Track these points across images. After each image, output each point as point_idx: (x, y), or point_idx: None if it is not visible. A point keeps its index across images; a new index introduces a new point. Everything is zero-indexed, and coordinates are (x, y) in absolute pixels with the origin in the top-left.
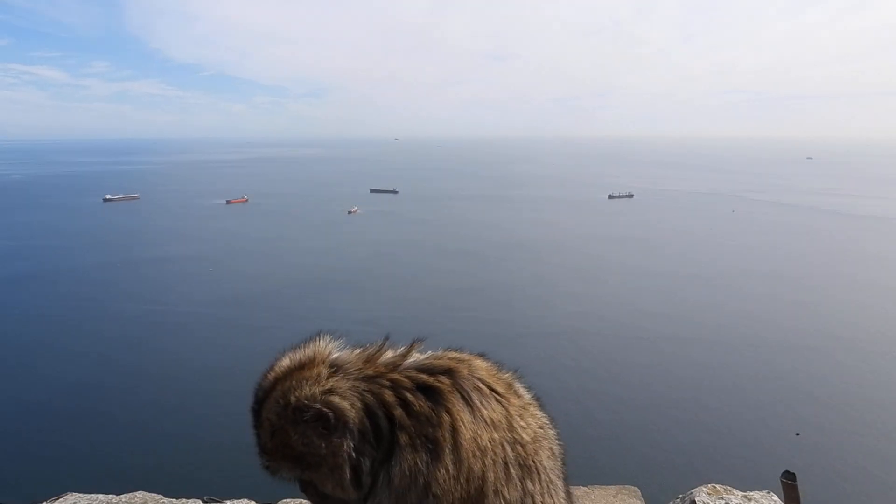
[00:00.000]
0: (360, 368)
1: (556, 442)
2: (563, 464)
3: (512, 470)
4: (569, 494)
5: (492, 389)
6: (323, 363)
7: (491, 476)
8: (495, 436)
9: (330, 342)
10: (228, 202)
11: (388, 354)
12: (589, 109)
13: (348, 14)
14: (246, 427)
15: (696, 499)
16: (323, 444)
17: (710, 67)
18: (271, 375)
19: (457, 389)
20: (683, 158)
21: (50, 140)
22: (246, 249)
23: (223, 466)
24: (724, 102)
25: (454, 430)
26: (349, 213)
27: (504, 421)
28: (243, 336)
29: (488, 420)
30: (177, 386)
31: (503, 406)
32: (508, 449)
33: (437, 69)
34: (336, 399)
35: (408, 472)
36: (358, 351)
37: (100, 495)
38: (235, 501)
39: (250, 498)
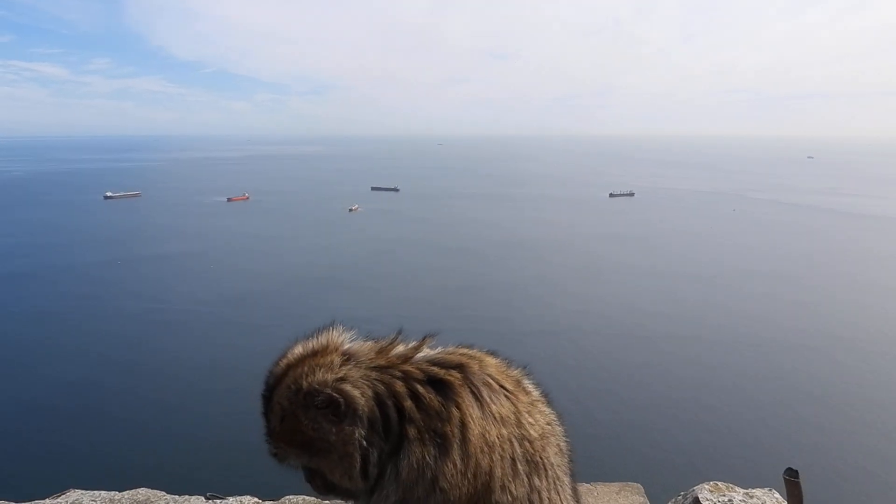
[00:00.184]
0: (373, 359)
1: (564, 439)
2: (570, 461)
3: (519, 466)
4: (575, 491)
5: (501, 386)
6: (336, 351)
7: (498, 472)
8: (504, 432)
9: (343, 332)
10: (229, 200)
11: (400, 348)
12: (589, 108)
13: (349, 12)
14: (247, 424)
15: (699, 496)
16: (333, 431)
17: (710, 67)
18: (283, 362)
19: (467, 385)
20: (684, 157)
21: (51, 137)
22: (247, 247)
23: (225, 463)
24: (724, 101)
25: (463, 426)
26: (350, 211)
27: (512, 417)
28: (244, 334)
29: (497, 416)
30: (178, 384)
31: (512, 402)
32: (516, 445)
33: (438, 68)
34: (348, 387)
35: (416, 466)
36: (370, 343)
37: (102, 492)
38: (238, 498)
39: (253, 494)
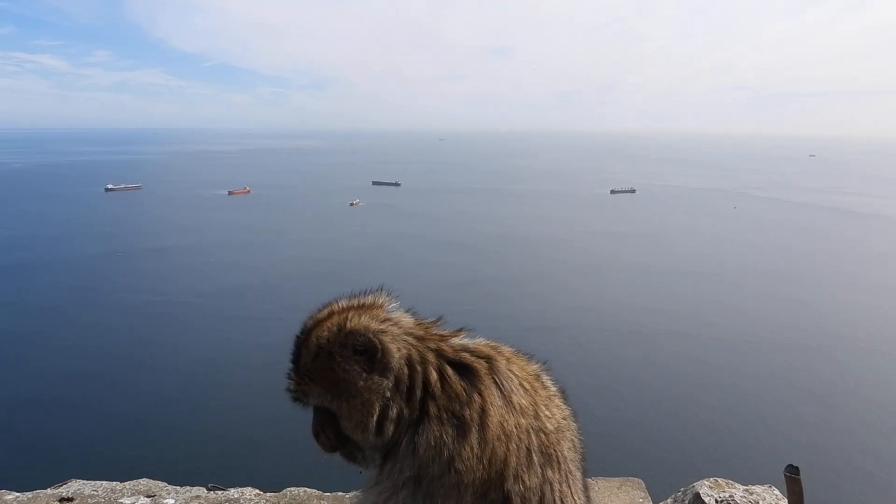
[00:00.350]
0: (412, 329)
1: (577, 435)
2: (583, 458)
3: (534, 457)
4: (586, 487)
5: (523, 379)
6: (381, 308)
7: (513, 461)
8: (522, 422)
9: (389, 298)
10: (230, 193)
11: (437, 329)
12: (591, 105)
13: (351, 7)
14: (248, 416)
15: (700, 491)
16: (363, 377)
17: (711, 64)
18: (327, 309)
19: (492, 375)
20: (685, 155)
21: (51, 129)
22: (247, 241)
23: (227, 456)
24: (725, 99)
25: (483, 412)
26: (351, 205)
27: (531, 409)
28: (244, 327)
29: (517, 406)
30: (179, 376)
31: (531, 395)
32: (533, 436)
33: (440, 63)
34: (388, 339)
35: (433, 444)
36: (412, 317)
37: (103, 482)
38: (240, 489)
39: (254, 486)
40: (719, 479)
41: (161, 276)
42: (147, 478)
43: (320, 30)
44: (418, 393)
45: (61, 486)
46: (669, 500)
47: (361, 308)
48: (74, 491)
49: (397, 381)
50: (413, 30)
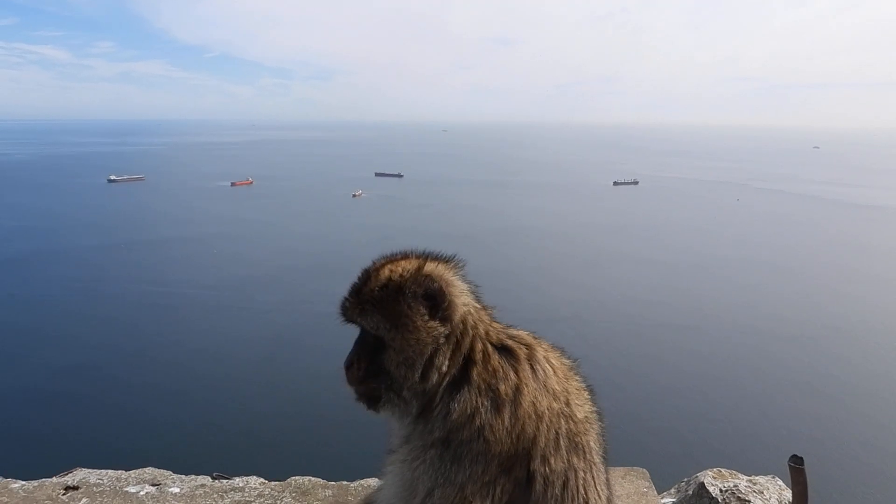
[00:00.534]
0: (472, 300)
1: (601, 434)
2: (605, 456)
3: (562, 441)
4: (608, 481)
5: (557, 368)
6: (455, 268)
7: (542, 441)
8: (553, 405)
9: (462, 265)
10: (233, 184)
11: (489, 313)
12: (595, 96)
13: None
14: (253, 407)
15: (704, 481)
16: (424, 319)
17: (716, 55)
18: (403, 253)
19: (529, 360)
20: (689, 146)
21: (54, 120)
22: (250, 232)
23: (231, 445)
24: (730, 91)
25: (517, 390)
26: (354, 196)
27: (563, 396)
28: (247, 319)
29: (550, 390)
30: (182, 367)
31: (564, 384)
32: (563, 421)
33: (443, 54)
34: (455, 293)
35: (467, 411)
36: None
37: (109, 471)
38: (244, 478)
39: (259, 475)
40: (723, 470)
41: (163, 268)
42: (152, 466)
43: (324, 20)
44: (464, 353)
45: (67, 474)
46: (673, 490)
47: (438, 260)
48: (80, 479)
49: (450, 336)
50: (416, 21)
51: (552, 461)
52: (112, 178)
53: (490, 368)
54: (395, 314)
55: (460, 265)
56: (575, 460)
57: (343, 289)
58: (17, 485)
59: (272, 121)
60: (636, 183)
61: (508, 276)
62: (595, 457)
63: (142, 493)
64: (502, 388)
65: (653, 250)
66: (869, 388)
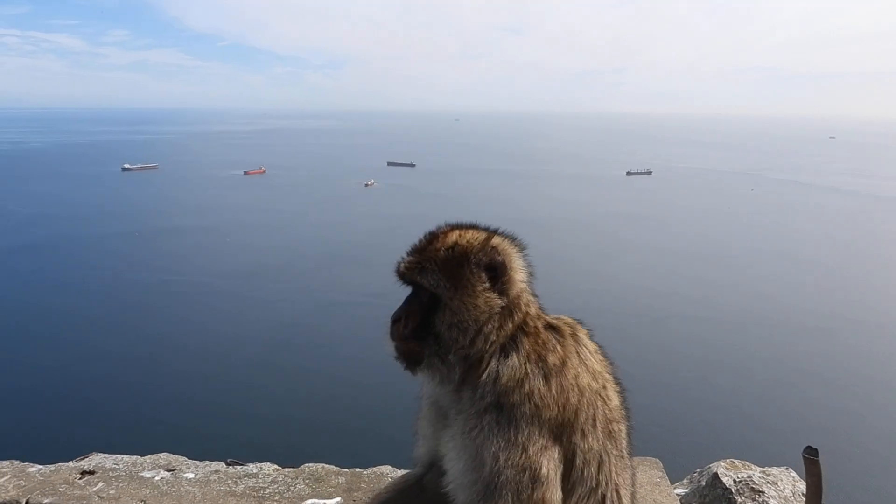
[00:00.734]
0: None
1: (628, 432)
2: (630, 453)
3: (598, 423)
4: (634, 474)
5: (594, 352)
6: (519, 248)
7: (582, 416)
8: (593, 385)
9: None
10: (246, 173)
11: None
12: (608, 85)
13: None
14: (267, 395)
15: (717, 472)
16: (484, 287)
17: (731, 44)
18: (471, 223)
19: (573, 338)
20: (703, 136)
21: (68, 109)
22: (262, 221)
23: (244, 432)
24: (745, 80)
25: (563, 364)
26: (366, 186)
27: (601, 379)
28: (260, 307)
29: (590, 370)
30: (196, 355)
31: (602, 369)
32: (599, 403)
33: (455, 42)
34: (516, 269)
35: (517, 376)
36: None
37: (124, 456)
38: (258, 464)
39: (273, 462)
40: (736, 461)
41: (177, 256)
42: (167, 452)
43: (336, 9)
44: (514, 325)
45: (83, 459)
46: (686, 481)
47: (505, 236)
48: (96, 464)
49: (504, 309)
50: (428, 9)
51: (590, 439)
52: (126, 166)
53: (540, 340)
54: (458, 277)
55: (523, 246)
56: (609, 445)
57: (354, 277)
58: (34, 469)
59: (284, 109)
60: (650, 173)
61: None
62: (624, 445)
63: (157, 478)
64: (550, 358)
65: (666, 241)
66: (885, 380)
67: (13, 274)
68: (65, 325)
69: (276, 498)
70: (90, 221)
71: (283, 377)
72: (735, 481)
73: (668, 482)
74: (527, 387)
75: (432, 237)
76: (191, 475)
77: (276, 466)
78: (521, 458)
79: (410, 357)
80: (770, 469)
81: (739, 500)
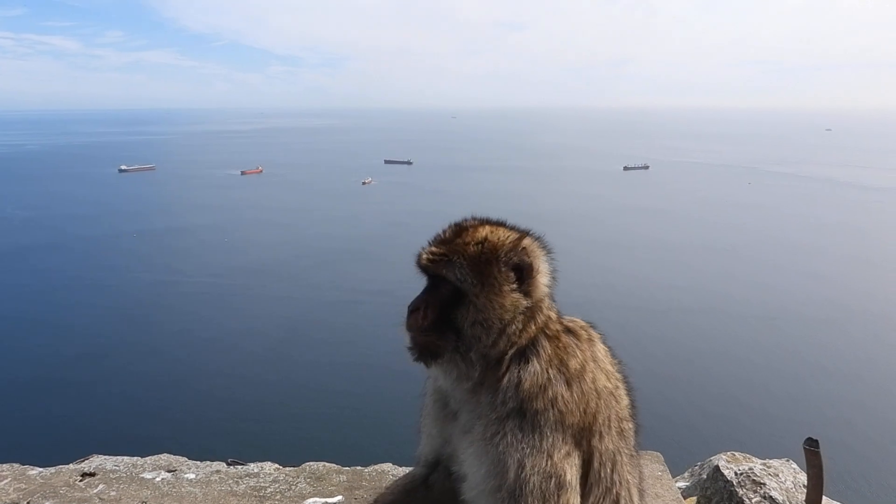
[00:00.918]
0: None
1: (635, 430)
2: (637, 451)
3: (613, 423)
4: (642, 475)
5: (606, 354)
6: (545, 252)
7: (601, 418)
8: (608, 386)
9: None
10: (243, 173)
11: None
12: (605, 80)
13: None
14: (267, 394)
15: (718, 464)
16: (510, 286)
17: (727, 37)
18: (501, 221)
19: (589, 342)
20: (700, 130)
21: (64, 110)
22: (260, 220)
23: (245, 432)
24: (741, 73)
25: (583, 367)
26: (363, 183)
27: (614, 379)
28: (258, 306)
29: (604, 372)
30: (195, 355)
31: (614, 370)
32: (614, 403)
33: (452, 39)
34: (542, 272)
35: (539, 382)
36: None
37: (125, 457)
38: (259, 464)
39: (273, 461)
40: (737, 454)
41: (175, 256)
42: (167, 453)
43: (332, 7)
44: (536, 328)
45: (83, 461)
46: (687, 474)
47: (536, 238)
48: (96, 466)
49: (528, 310)
50: (425, 6)
51: (606, 440)
52: (123, 167)
53: (561, 344)
54: (486, 274)
55: (550, 250)
56: (622, 444)
57: (352, 275)
58: (34, 471)
59: (281, 108)
60: (647, 167)
61: None
62: (632, 443)
63: (158, 479)
64: (572, 363)
65: (664, 234)
66: (885, 371)
67: (10, 276)
68: (61, 327)
69: (278, 497)
70: (87, 223)
71: (283, 376)
72: (736, 474)
73: (670, 475)
74: (550, 393)
75: (459, 229)
76: (192, 475)
77: (277, 466)
78: (546, 464)
79: (427, 350)
80: (771, 461)
81: (741, 492)
